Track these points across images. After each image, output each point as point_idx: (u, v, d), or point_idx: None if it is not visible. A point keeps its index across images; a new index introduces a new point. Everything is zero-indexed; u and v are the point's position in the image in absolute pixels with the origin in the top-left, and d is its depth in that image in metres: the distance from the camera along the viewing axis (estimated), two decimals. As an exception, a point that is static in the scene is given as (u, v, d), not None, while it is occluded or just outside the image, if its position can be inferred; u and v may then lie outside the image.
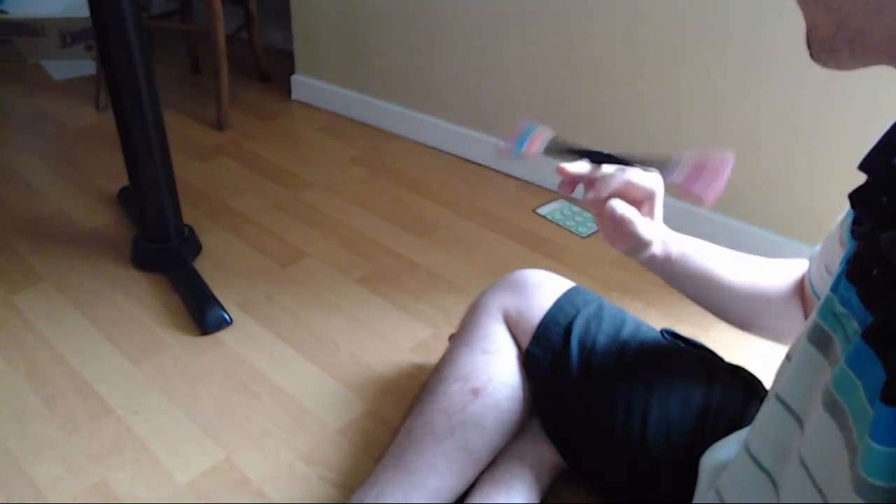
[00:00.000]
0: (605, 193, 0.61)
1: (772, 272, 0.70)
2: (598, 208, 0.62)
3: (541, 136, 0.64)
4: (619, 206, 0.60)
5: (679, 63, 1.30)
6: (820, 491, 0.41)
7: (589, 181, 0.62)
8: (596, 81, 1.43)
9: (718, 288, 0.69)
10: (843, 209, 0.58)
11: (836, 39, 0.36)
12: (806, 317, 0.68)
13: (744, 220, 1.33)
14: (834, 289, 0.44)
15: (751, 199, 1.31)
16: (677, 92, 1.32)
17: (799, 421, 0.46)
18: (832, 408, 0.40)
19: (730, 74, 1.24)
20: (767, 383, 0.73)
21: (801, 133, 1.21)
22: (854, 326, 0.41)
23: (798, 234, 1.28)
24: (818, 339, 0.45)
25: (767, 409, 0.49)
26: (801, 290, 0.69)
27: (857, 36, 0.35)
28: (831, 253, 0.59)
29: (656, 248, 0.66)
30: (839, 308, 0.43)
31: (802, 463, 0.43)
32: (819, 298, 0.63)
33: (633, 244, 0.64)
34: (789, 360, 0.49)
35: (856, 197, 0.45)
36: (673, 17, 1.27)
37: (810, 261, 0.66)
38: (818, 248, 0.65)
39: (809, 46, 0.39)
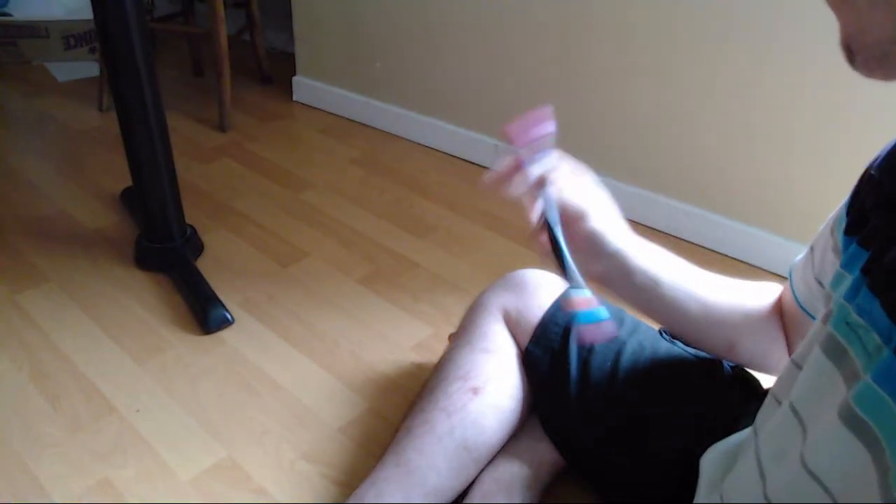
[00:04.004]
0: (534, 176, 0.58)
1: (748, 292, 0.69)
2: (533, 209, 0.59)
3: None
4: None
5: (673, 63, 1.30)
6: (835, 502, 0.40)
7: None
8: (592, 82, 1.43)
9: (701, 304, 0.66)
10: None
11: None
12: (787, 338, 0.67)
13: (740, 219, 1.34)
14: (848, 298, 0.42)
15: (746, 198, 1.32)
16: (673, 92, 1.33)
17: (803, 427, 0.44)
18: (855, 425, 0.38)
19: (725, 74, 1.25)
20: (765, 383, 0.73)
21: (797, 132, 1.21)
22: (875, 339, 0.38)
23: (793, 234, 1.28)
24: (831, 349, 0.43)
25: (780, 419, 0.48)
26: (778, 311, 0.68)
27: None
28: (822, 262, 0.57)
29: (619, 241, 0.64)
30: (855, 318, 0.41)
31: (811, 473, 0.41)
32: (807, 313, 0.61)
33: (583, 231, 0.60)
34: (799, 367, 0.48)
35: (876, 204, 0.43)
36: (668, 18, 1.28)
37: (792, 273, 0.64)
38: (799, 259, 0.64)
39: (851, 53, 0.36)
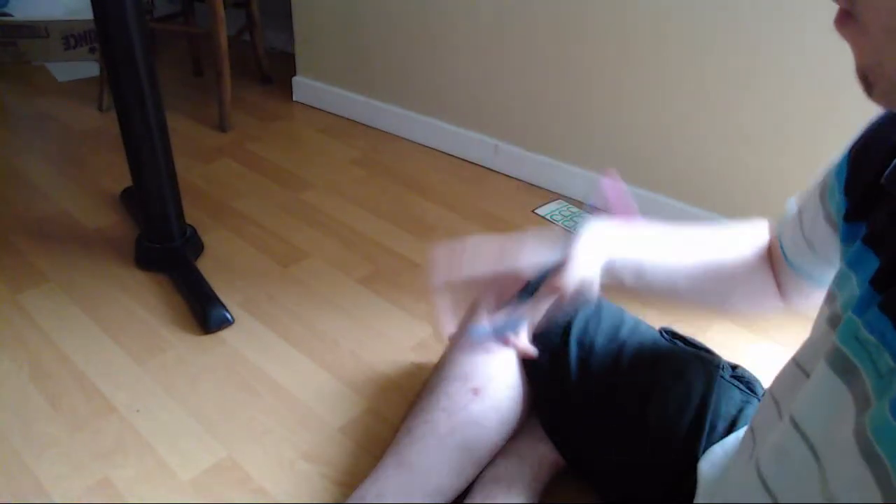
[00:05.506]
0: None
1: (733, 243, 0.69)
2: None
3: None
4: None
5: (669, 64, 1.31)
6: None
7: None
8: (589, 83, 1.43)
9: (687, 278, 0.67)
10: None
11: None
12: (776, 278, 0.67)
13: (738, 219, 1.34)
14: (858, 312, 0.41)
15: (745, 198, 1.32)
16: (671, 92, 1.33)
17: (814, 452, 0.42)
18: (868, 454, 0.36)
19: (722, 75, 1.25)
20: (765, 382, 0.74)
21: (794, 132, 1.21)
22: (888, 361, 0.37)
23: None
24: (840, 365, 0.41)
25: (784, 434, 0.45)
26: (768, 257, 0.68)
27: None
28: (812, 226, 0.57)
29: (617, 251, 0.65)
30: (866, 335, 0.39)
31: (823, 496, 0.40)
32: (791, 266, 0.62)
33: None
34: (803, 373, 0.47)
35: (890, 218, 0.42)
36: (663, 22, 1.28)
37: (782, 225, 0.64)
38: (787, 221, 0.63)
39: (868, 84, 0.35)
